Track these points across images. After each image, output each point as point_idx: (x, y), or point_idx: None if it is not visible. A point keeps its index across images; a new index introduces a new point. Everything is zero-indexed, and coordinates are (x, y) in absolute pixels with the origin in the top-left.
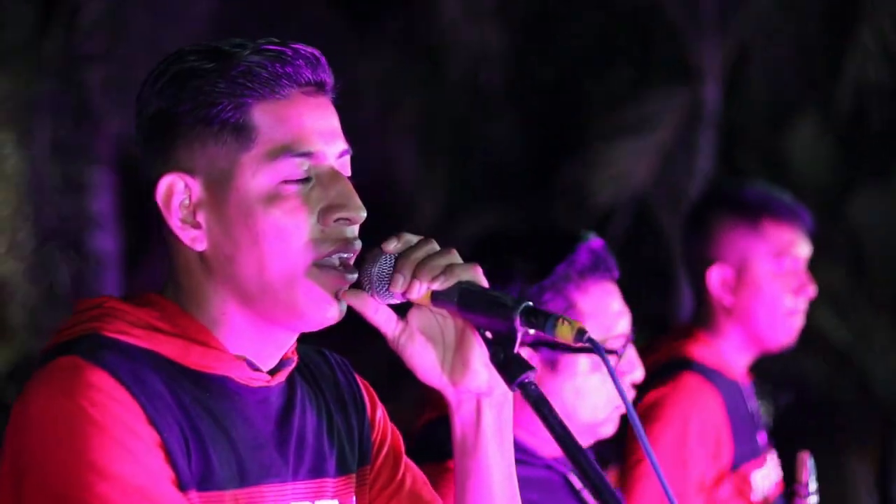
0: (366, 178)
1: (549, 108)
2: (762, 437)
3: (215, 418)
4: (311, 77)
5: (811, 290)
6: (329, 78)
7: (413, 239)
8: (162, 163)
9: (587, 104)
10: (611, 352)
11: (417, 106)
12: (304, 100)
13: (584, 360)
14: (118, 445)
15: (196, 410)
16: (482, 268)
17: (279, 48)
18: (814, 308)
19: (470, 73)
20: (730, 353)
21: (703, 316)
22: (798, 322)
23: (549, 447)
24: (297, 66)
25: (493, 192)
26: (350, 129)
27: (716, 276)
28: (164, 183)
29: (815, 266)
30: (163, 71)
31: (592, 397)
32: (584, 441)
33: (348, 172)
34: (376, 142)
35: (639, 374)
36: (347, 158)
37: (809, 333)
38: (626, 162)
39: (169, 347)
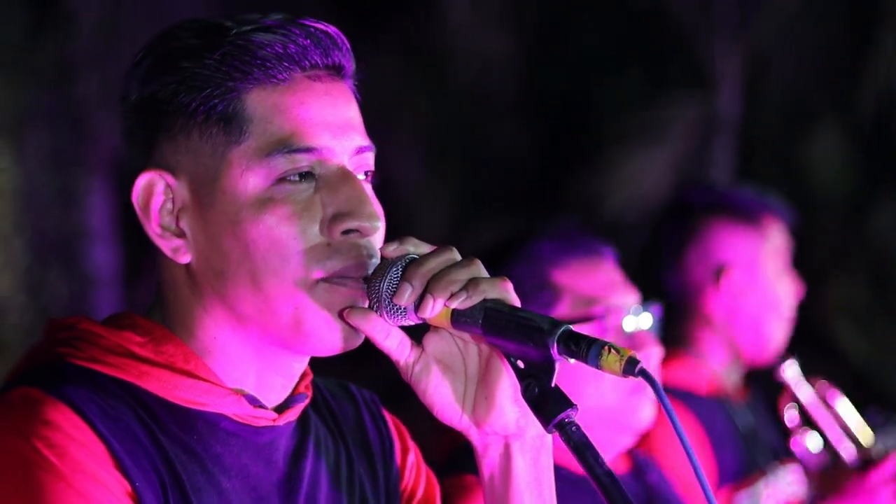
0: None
1: (560, 116)
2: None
3: (203, 465)
4: (319, 59)
5: (799, 288)
6: (347, 61)
7: (423, 245)
8: (143, 159)
9: (599, 111)
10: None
11: (424, 113)
12: (308, 85)
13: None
14: (78, 496)
15: (179, 455)
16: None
17: (282, 24)
18: (833, 321)
19: (478, 80)
20: (716, 368)
21: (683, 333)
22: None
23: None
24: (302, 46)
25: (502, 201)
26: None
27: (724, 281)
28: (142, 182)
29: (834, 278)
30: (150, 50)
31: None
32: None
33: (369, 173)
34: (381, 150)
35: (654, 353)
36: (369, 156)
37: (828, 347)
38: (639, 171)
39: (150, 379)
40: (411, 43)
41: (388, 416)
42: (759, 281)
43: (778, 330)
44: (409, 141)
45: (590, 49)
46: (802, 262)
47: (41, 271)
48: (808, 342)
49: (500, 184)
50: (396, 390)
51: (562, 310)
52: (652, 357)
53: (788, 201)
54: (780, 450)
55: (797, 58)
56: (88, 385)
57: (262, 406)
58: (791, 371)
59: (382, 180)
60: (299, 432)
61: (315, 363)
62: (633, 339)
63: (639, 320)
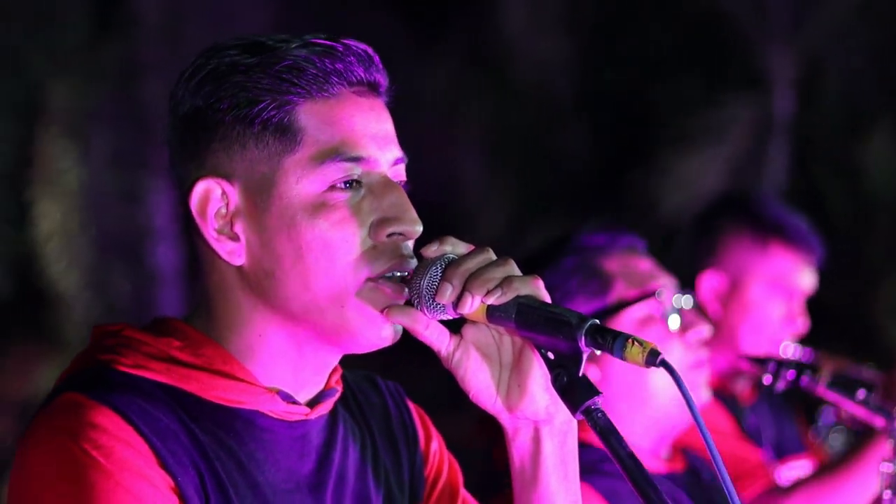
0: (431, 189)
1: (618, 117)
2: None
3: (238, 461)
4: (363, 76)
5: (801, 325)
6: (383, 78)
7: (460, 244)
8: (196, 167)
9: (655, 113)
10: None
11: (484, 116)
12: (355, 100)
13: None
14: (126, 493)
15: (217, 452)
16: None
17: (329, 43)
18: (886, 322)
19: (537, 82)
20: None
21: None
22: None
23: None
24: (348, 63)
25: (561, 202)
26: (415, 140)
27: (707, 282)
28: (199, 189)
29: (886, 280)
30: (200, 66)
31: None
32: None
33: (403, 182)
34: (442, 152)
35: (704, 329)
36: (402, 168)
37: (880, 348)
38: (696, 172)
39: (190, 381)
40: (471, 47)
41: (411, 405)
42: (743, 298)
43: (767, 347)
44: (469, 143)
45: (646, 52)
46: (857, 263)
47: (105, 269)
48: (861, 343)
49: (559, 184)
50: (453, 391)
51: (616, 293)
52: (703, 333)
53: (843, 202)
54: (784, 450)
55: (852, 59)
56: (132, 390)
57: (295, 402)
58: (789, 350)
59: (444, 181)
60: (329, 425)
61: (379, 361)
62: (684, 318)
63: (682, 302)
